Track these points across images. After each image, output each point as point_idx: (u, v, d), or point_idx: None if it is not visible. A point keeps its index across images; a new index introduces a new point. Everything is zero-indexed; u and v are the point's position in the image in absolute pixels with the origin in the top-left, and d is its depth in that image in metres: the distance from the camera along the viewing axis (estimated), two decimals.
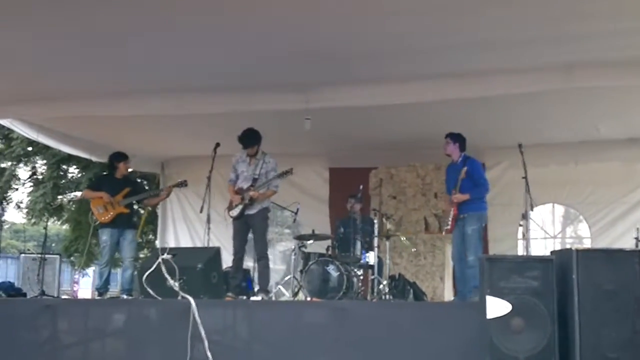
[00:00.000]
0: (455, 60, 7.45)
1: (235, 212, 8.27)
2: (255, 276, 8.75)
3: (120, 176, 9.24)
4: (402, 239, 9.92)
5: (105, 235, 8.93)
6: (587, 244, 10.92)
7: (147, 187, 14.10)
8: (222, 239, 9.53)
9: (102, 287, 8.95)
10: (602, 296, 5.20)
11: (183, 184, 9.55)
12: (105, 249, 8.96)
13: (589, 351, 5.14)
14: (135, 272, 8.83)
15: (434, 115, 9.32)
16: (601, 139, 10.37)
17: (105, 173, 9.62)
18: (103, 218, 8.88)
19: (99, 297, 8.86)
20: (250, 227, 8.32)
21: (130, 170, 9.65)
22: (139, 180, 10.52)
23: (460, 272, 7.92)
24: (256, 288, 8.44)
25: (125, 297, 8.69)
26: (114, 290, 13.11)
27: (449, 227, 8.09)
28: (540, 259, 5.61)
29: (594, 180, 10.87)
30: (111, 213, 8.89)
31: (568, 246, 9.86)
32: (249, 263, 8.94)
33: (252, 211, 8.25)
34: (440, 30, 6.76)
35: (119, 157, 9.29)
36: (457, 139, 8.30)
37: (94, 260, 16.42)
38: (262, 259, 8.26)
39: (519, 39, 6.78)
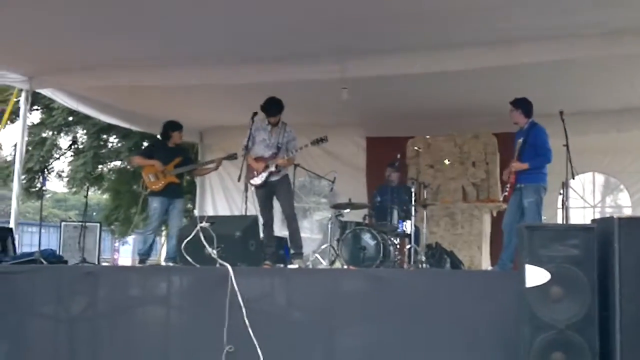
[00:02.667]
0: (496, 28, 7.35)
1: (259, 179, 8.30)
2: None
3: (172, 145, 9.28)
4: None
5: (155, 203, 9.03)
6: (627, 213, 10.76)
7: None
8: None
9: (145, 253, 9.09)
10: None
11: (233, 157, 9.56)
12: (154, 216, 9.07)
13: (630, 320, 5.07)
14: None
15: (472, 83, 9.23)
16: None
17: (157, 140, 9.66)
18: (155, 186, 8.98)
19: (140, 264, 8.99)
20: (275, 193, 8.38)
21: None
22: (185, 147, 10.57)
23: (508, 241, 7.73)
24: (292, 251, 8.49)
25: (171, 264, 8.81)
26: (153, 258, 13.28)
27: (506, 194, 7.89)
28: (582, 228, 5.51)
29: (635, 148, 10.72)
30: (162, 182, 8.97)
31: (608, 215, 9.73)
32: (284, 232, 8.97)
33: (276, 177, 8.32)
34: None
35: (174, 126, 9.30)
36: (519, 105, 7.87)
37: (133, 229, 16.65)
38: (292, 221, 8.33)
39: (559, 5, 6.65)
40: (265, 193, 8.41)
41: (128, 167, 16.17)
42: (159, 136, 9.73)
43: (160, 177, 8.99)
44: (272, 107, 8.23)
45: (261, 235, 8.15)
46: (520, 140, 7.78)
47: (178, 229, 9.01)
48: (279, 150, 8.29)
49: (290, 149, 8.33)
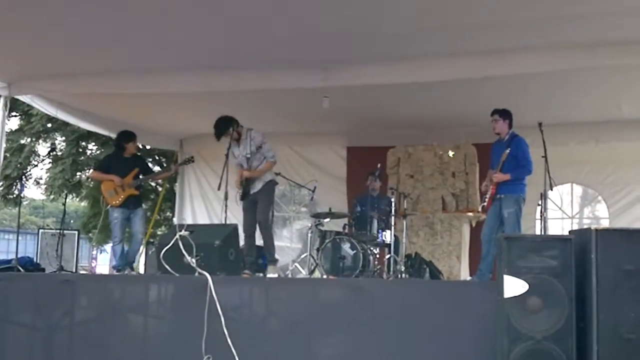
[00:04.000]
0: (476, 39, 7.38)
1: (238, 194, 8.43)
2: None
3: (128, 155, 9.18)
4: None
5: (116, 213, 8.96)
6: (605, 224, 10.83)
7: (165, 165, 14.17)
8: (239, 216, 9.56)
9: (119, 265, 8.99)
10: (621, 276, 5.15)
11: (190, 161, 9.59)
12: (116, 226, 8.99)
13: (607, 331, 5.11)
14: (153, 249, 8.90)
15: (453, 94, 9.26)
16: (623, 118, 10.25)
17: (112, 153, 9.60)
18: (114, 201, 8.91)
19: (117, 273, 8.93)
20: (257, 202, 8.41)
21: (140, 147, 9.66)
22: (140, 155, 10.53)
23: (487, 251, 7.75)
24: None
25: (128, 271, 8.76)
26: None
27: (485, 204, 7.89)
28: (559, 239, 5.56)
29: (614, 160, 10.79)
30: (122, 196, 8.90)
31: (586, 226, 9.78)
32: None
33: (256, 188, 8.38)
34: (461, 9, 6.70)
35: (127, 136, 9.19)
36: (506, 115, 7.93)
37: (111, 237, 16.55)
38: (263, 228, 8.35)
39: (540, 16, 6.70)
40: (249, 203, 8.43)
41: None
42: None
43: (119, 191, 8.90)
44: (217, 130, 8.31)
45: (242, 244, 8.15)
46: (507, 152, 7.79)
47: (141, 236, 9.00)
48: (249, 160, 8.35)
49: (265, 154, 8.38)
